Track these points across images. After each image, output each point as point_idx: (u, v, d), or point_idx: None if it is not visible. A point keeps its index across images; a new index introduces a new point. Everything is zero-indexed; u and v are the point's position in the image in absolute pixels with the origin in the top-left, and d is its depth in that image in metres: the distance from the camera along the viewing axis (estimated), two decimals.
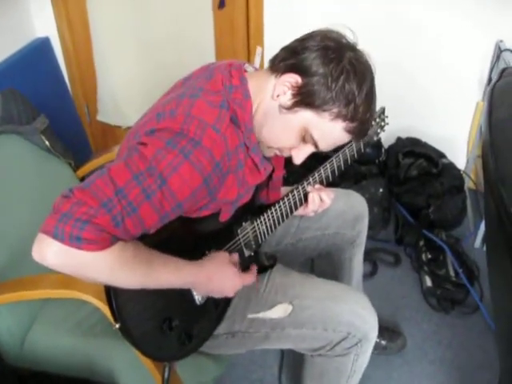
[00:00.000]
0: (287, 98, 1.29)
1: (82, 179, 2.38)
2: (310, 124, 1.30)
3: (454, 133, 3.28)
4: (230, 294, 1.51)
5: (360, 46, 1.32)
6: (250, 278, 1.55)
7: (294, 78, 1.27)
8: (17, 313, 1.80)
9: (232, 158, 1.29)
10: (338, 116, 1.27)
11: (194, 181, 1.19)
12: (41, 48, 3.22)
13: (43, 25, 3.25)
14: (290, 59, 1.29)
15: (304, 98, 1.27)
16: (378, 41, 2.69)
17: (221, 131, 1.23)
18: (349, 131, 1.31)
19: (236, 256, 1.55)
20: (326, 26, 1.32)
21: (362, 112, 1.28)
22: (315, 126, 1.30)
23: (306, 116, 1.29)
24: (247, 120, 1.33)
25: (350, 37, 1.31)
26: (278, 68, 1.31)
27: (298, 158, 1.40)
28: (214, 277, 1.42)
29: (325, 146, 1.36)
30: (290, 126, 1.33)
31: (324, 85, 1.24)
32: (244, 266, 1.58)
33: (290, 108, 1.29)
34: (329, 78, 1.24)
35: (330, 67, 1.24)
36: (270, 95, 1.32)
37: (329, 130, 1.31)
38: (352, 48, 1.29)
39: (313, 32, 1.31)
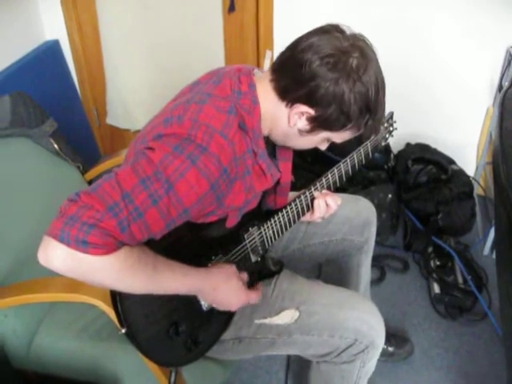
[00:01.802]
0: (304, 124, 1.33)
1: (90, 182, 2.39)
2: (331, 136, 1.38)
3: (464, 139, 3.27)
4: (233, 308, 1.50)
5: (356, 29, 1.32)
6: (256, 296, 1.54)
7: (306, 109, 1.29)
8: (23, 316, 1.81)
9: (239, 164, 1.29)
10: (357, 128, 1.34)
11: (201, 187, 1.18)
12: (50, 51, 3.24)
13: (53, 28, 3.27)
14: (297, 90, 1.28)
15: (321, 125, 1.32)
16: (388, 46, 2.68)
17: (229, 137, 1.23)
18: (366, 130, 1.36)
19: (245, 276, 1.54)
20: (319, 27, 1.31)
21: (378, 115, 1.33)
22: (336, 138, 1.39)
23: (325, 134, 1.37)
24: (255, 126, 1.33)
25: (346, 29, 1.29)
26: (287, 98, 1.31)
27: (322, 147, 1.49)
28: (219, 288, 1.41)
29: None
30: (312, 141, 1.41)
31: (339, 112, 1.27)
32: (250, 272, 1.57)
33: (309, 131, 1.35)
34: (343, 107, 1.26)
35: (343, 95, 1.25)
36: (286, 123, 1.35)
37: (349, 136, 1.38)
38: (352, 47, 1.25)
39: (307, 44, 1.26)
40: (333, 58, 1.23)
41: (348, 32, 1.28)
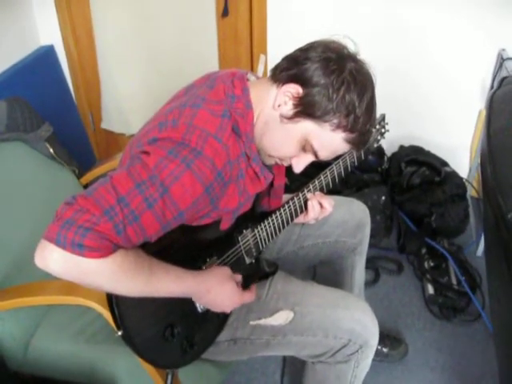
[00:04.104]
0: (288, 108, 1.30)
1: (86, 186, 2.39)
2: (310, 134, 1.31)
3: (457, 141, 3.29)
4: (227, 310, 1.51)
5: (362, 56, 1.33)
6: (250, 296, 1.54)
7: (295, 89, 1.28)
8: (20, 319, 1.81)
9: (233, 167, 1.30)
10: (338, 127, 1.29)
11: (195, 190, 1.19)
12: (45, 56, 3.25)
13: (48, 33, 3.29)
14: (291, 69, 1.29)
15: (305, 109, 1.28)
16: (381, 49, 2.71)
17: (222, 141, 1.24)
18: (349, 141, 1.32)
19: (239, 277, 1.55)
20: (329, 37, 1.33)
21: (362, 123, 1.29)
22: (315, 137, 1.31)
23: (306, 126, 1.30)
24: (248, 130, 1.34)
25: (351, 47, 1.32)
26: (280, 78, 1.32)
27: (298, 166, 1.41)
28: (213, 290, 1.42)
29: (325, 155, 1.37)
30: (290, 135, 1.34)
31: (325, 96, 1.25)
32: (245, 274, 1.58)
33: (290, 118, 1.30)
34: (330, 89, 1.25)
35: (331, 78, 1.25)
36: (271, 105, 1.33)
37: (329, 140, 1.32)
38: (353, 59, 1.29)
39: (314, 42, 1.32)
40: (333, 55, 1.27)
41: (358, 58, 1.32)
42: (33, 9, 3.20)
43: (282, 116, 1.32)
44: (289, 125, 1.32)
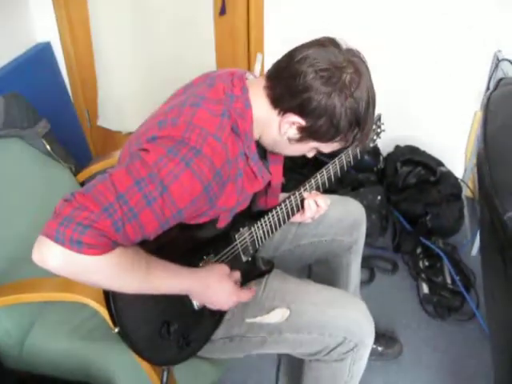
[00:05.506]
0: (294, 133, 1.36)
1: (82, 184, 2.40)
2: (319, 147, 1.41)
3: (453, 141, 3.30)
4: (224, 308, 1.52)
5: (352, 44, 1.33)
6: (247, 296, 1.55)
7: (297, 120, 1.31)
8: (16, 316, 1.81)
9: (232, 166, 1.31)
10: (345, 141, 1.37)
11: (194, 188, 1.20)
12: (42, 53, 3.24)
13: (45, 30, 3.28)
14: (290, 101, 1.30)
15: (310, 135, 1.35)
16: (378, 50, 2.71)
17: (222, 140, 1.25)
18: (353, 142, 1.39)
19: (238, 274, 1.56)
20: (321, 37, 1.33)
21: (367, 129, 1.35)
22: (325, 148, 1.42)
23: (315, 144, 1.39)
24: (247, 129, 1.35)
25: (342, 44, 1.31)
26: (280, 105, 1.34)
27: (310, 155, 1.50)
28: (211, 287, 1.43)
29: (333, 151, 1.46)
30: (300, 149, 1.44)
31: (330, 125, 1.30)
32: (241, 272, 1.59)
33: (298, 140, 1.37)
34: (334, 120, 1.29)
35: (333, 107, 1.27)
36: (277, 131, 1.38)
37: (337, 146, 1.41)
38: (347, 66, 1.27)
39: (307, 52, 1.28)
40: (327, 73, 1.25)
41: (344, 47, 1.30)
42: (29, 6, 3.19)
43: (289, 139, 1.38)
44: (298, 144, 1.40)
